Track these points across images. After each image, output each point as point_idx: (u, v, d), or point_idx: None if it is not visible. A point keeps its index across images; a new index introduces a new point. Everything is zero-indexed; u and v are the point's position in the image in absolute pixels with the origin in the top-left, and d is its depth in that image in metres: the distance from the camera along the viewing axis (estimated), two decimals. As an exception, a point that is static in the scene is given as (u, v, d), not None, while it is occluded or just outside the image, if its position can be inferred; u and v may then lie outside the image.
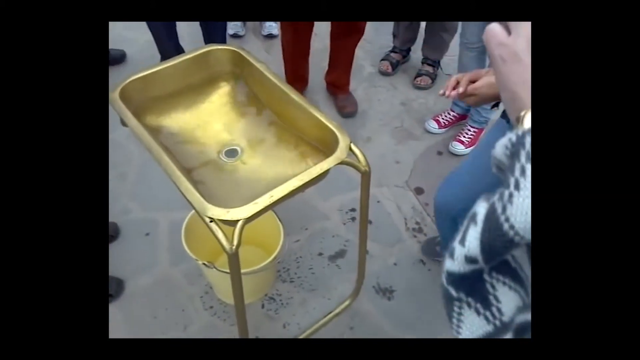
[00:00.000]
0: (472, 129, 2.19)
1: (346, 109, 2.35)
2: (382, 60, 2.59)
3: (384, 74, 2.57)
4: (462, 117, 2.28)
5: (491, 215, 0.37)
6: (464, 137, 2.20)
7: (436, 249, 1.80)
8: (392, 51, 2.59)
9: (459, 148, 2.19)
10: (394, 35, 2.57)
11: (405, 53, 2.59)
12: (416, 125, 2.35)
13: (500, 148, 0.40)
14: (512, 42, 0.42)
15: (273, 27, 2.73)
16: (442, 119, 2.27)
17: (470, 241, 0.39)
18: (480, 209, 0.39)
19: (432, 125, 2.27)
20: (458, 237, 0.41)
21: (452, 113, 2.27)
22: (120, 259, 1.77)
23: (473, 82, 1.12)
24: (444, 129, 2.27)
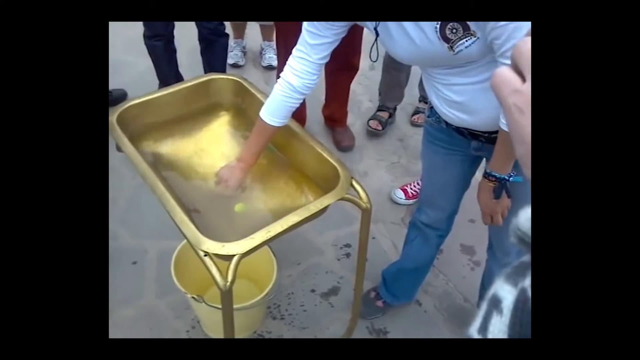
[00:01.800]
0: (420, 185, 2.08)
1: (343, 143, 2.34)
2: (371, 119, 2.45)
3: (374, 134, 2.42)
4: None
5: (523, 305, 0.33)
6: (411, 188, 2.10)
7: (376, 304, 1.69)
8: (379, 110, 2.47)
9: (399, 196, 2.09)
10: (380, 93, 2.46)
11: (392, 111, 2.48)
12: (413, 162, 2.34)
13: (529, 222, 0.35)
14: (529, 90, 0.38)
15: (273, 58, 2.74)
16: (411, 189, 2.14)
17: (494, 334, 0.35)
18: (506, 294, 0.34)
19: (399, 195, 2.11)
20: (476, 325, 0.37)
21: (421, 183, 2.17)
22: (105, 288, 1.70)
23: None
24: (411, 200, 2.10)
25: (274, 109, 1.14)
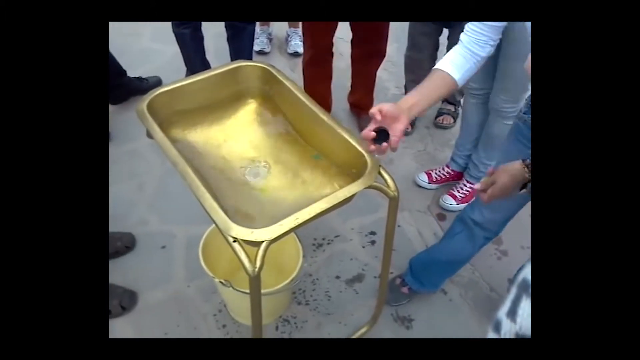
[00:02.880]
0: (468, 185, 2.03)
1: (369, 130, 2.32)
2: None
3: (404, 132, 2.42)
4: (457, 175, 2.10)
5: None
6: (458, 192, 2.03)
7: (401, 291, 1.68)
8: None
9: (450, 203, 2.02)
10: (406, 91, 2.42)
11: None
12: (439, 149, 2.31)
13: None
14: None
15: (299, 45, 2.73)
16: (435, 173, 2.12)
17: (523, 317, 0.35)
18: None
19: (422, 179, 2.12)
20: (505, 308, 0.37)
21: (447, 169, 2.11)
22: (135, 272, 1.75)
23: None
24: (434, 184, 2.11)
25: (452, 61, 1.09)
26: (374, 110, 1.04)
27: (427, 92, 1.09)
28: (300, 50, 2.70)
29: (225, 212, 0.97)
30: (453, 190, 2.05)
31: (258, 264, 0.94)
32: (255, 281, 0.96)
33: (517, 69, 1.50)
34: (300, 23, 2.67)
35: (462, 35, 1.10)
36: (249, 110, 1.35)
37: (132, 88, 2.39)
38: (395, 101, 2.69)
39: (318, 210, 0.99)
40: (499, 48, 1.48)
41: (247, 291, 1.03)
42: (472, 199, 1.46)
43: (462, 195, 2.02)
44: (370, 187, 1.06)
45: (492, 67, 1.67)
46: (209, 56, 2.37)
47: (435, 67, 1.11)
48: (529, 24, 0.98)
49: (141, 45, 2.83)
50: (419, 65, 2.23)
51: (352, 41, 2.12)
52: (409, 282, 1.67)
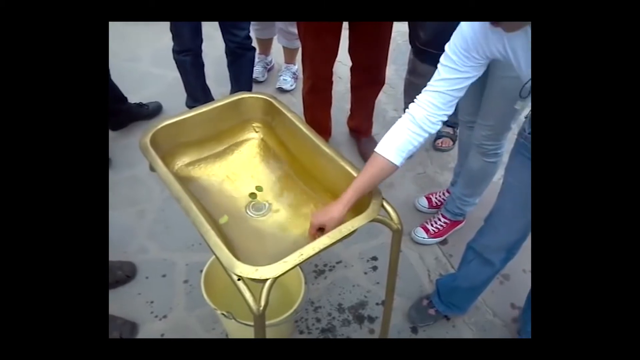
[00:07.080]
0: (442, 219, 1.97)
1: (368, 154, 2.32)
2: None
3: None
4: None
5: None
6: (432, 225, 1.96)
7: (428, 312, 1.68)
8: None
9: (421, 236, 1.95)
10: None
11: None
12: (439, 172, 2.32)
13: None
14: None
15: (286, 81, 2.71)
16: (435, 197, 2.10)
17: None
18: None
19: (422, 204, 2.09)
20: None
21: (447, 194, 2.07)
22: (135, 302, 1.73)
23: None
24: (435, 210, 2.06)
25: (395, 144, 1.09)
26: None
27: (365, 182, 1.10)
28: (286, 86, 2.71)
29: (229, 249, 0.96)
30: (427, 223, 1.98)
31: (263, 302, 0.93)
32: (259, 319, 0.96)
33: (500, 106, 1.50)
34: (295, 60, 2.68)
35: (412, 107, 1.06)
36: (252, 144, 1.36)
37: (132, 114, 2.40)
38: (393, 123, 2.70)
39: (322, 246, 0.99)
40: (484, 84, 1.50)
41: (250, 323, 1.02)
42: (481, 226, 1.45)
43: (435, 229, 1.96)
44: (374, 220, 1.06)
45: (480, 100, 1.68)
46: (209, 81, 2.39)
47: (376, 149, 1.10)
48: (514, 61, 0.99)
49: (141, 70, 2.85)
50: (418, 90, 2.23)
51: (351, 69, 2.14)
52: (436, 304, 1.67)
